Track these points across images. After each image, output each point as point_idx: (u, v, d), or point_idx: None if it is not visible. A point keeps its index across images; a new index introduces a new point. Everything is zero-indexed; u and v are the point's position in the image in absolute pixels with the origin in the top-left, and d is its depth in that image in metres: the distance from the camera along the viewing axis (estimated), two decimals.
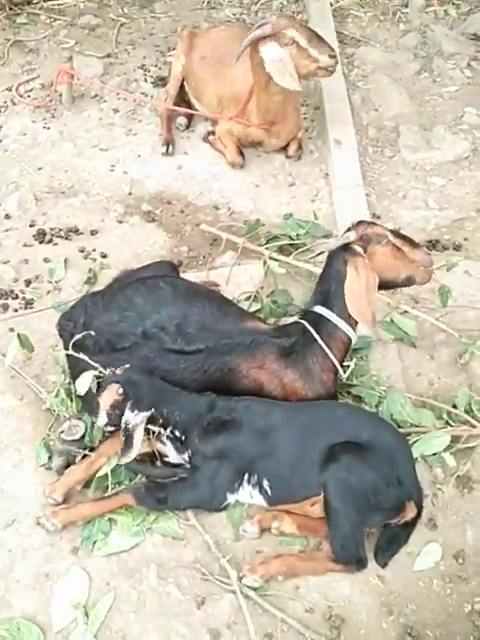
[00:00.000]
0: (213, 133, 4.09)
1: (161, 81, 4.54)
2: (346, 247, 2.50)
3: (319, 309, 2.53)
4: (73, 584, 2.22)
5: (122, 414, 2.30)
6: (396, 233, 2.59)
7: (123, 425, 2.28)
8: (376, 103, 4.51)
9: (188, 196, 3.81)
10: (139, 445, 2.27)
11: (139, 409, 2.30)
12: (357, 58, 4.90)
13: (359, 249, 2.49)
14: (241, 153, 3.96)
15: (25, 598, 2.20)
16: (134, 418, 2.28)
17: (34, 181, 3.83)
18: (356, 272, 2.45)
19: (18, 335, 2.72)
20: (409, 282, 2.60)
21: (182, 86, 4.22)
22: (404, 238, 2.57)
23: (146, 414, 2.30)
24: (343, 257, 2.49)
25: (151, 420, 2.33)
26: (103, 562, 2.28)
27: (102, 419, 2.34)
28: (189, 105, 4.27)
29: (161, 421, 2.35)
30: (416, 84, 4.72)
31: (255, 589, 2.20)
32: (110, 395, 2.33)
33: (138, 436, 2.27)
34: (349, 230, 2.55)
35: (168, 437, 2.38)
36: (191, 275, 3.19)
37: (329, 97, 4.29)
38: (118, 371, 2.39)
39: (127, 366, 2.40)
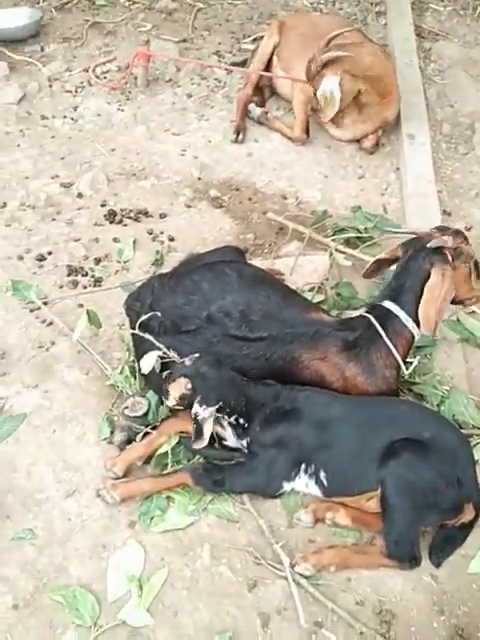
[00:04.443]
0: (266, 113, 4.14)
1: (235, 67, 4.55)
2: (437, 250, 2.47)
3: (388, 305, 2.51)
4: (129, 557, 2.27)
5: (191, 404, 2.33)
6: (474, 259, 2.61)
7: (193, 417, 2.31)
8: (452, 99, 4.43)
9: (256, 184, 3.81)
10: (208, 436, 2.29)
11: (207, 404, 2.31)
12: (434, 52, 4.83)
13: (450, 258, 2.46)
14: (307, 131, 3.98)
15: (82, 567, 2.25)
16: (203, 412, 2.30)
17: (107, 162, 3.89)
18: (441, 278, 2.42)
19: (87, 311, 2.78)
20: (459, 303, 2.68)
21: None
22: (476, 265, 2.59)
23: (214, 408, 2.31)
24: (431, 259, 2.46)
25: (218, 410, 2.34)
26: (159, 538, 2.32)
27: (171, 402, 2.40)
28: (262, 96, 4.30)
29: (228, 410, 2.36)
30: None
31: (307, 577, 2.21)
32: (179, 388, 2.37)
33: (208, 429, 2.29)
34: (444, 233, 2.51)
35: (230, 423, 2.39)
36: (256, 263, 3.20)
37: (404, 91, 4.22)
38: (187, 361, 2.39)
39: (196, 356, 2.40)
